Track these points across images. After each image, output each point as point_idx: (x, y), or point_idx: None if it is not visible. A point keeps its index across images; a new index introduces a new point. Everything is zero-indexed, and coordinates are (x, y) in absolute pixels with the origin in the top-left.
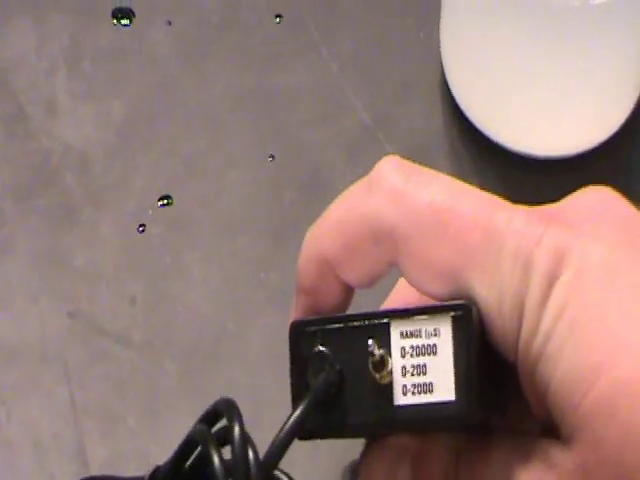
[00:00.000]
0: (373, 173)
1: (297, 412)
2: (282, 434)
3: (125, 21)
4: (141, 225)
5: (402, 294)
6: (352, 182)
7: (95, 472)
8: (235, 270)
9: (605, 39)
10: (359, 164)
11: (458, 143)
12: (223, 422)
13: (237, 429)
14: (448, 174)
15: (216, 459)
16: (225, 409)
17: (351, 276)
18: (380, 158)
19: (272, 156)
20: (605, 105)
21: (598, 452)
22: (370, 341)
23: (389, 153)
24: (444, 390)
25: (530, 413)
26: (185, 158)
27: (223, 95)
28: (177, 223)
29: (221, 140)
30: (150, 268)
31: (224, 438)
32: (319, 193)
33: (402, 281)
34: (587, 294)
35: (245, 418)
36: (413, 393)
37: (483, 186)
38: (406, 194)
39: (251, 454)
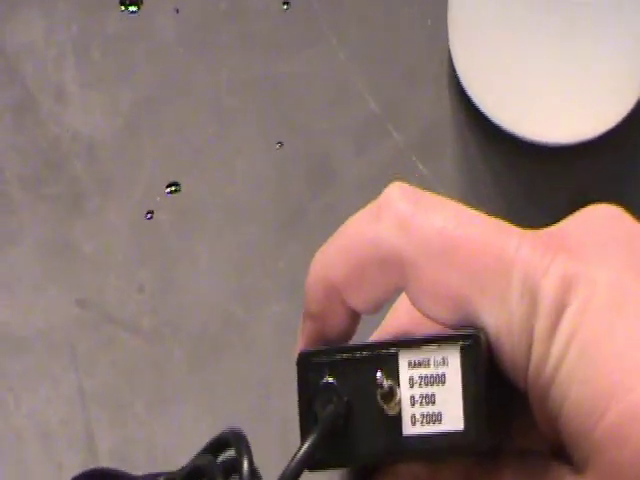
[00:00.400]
0: (381, 199)
1: (306, 445)
2: (291, 466)
3: (133, 8)
4: (149, 212)
5: (399, 317)
6: (360, 170)
7: (103, 460)
8: (243, 258)
9: (614, 27)
10: (367, 151)
11: (466, 130)
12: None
13: (246, 464)
14: (455, 161)
15: None
16: (234, 441)
17: (358, 301)
18: (388, 146)
19: (280, 143)
20: (613, 92)
21: (613, 477)
22: (379, 373)
23: (397, 141)
24: (453, 420)
25: (539, 433)
26: (193, 145)
27: (231, 82)
28: (185, 210)
29: (229, 127)
30: (158, 255)
31: (230, 468)
32: (327, 180)
33: (398, 303)
34: (596, 321)
35: (253, 407)
36: (422, 423)
37: (490, 173)
38: (414, 220)
39: None
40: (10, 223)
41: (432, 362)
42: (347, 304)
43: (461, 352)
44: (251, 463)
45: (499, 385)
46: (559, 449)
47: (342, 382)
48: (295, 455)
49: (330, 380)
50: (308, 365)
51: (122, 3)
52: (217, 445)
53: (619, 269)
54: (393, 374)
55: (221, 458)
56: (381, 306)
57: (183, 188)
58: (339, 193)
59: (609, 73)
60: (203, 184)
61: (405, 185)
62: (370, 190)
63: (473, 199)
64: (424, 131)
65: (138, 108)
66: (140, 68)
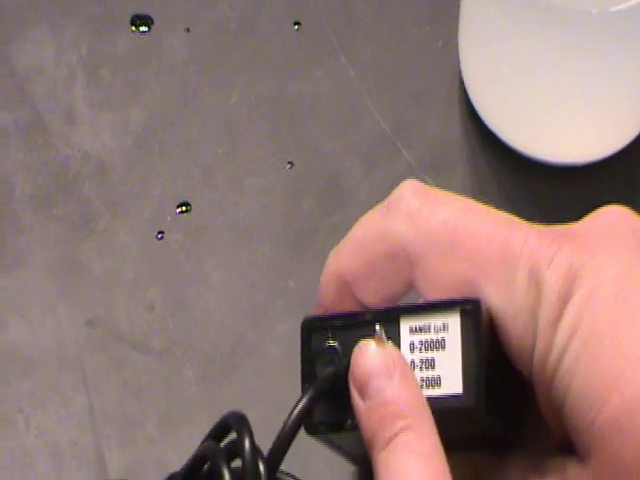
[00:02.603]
0: (392, 195)
1: (301, 402)
2: (290, 420)
3: (144, 28)
4: (160, 232)
5: None
6: (370, 189)
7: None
8: (253, 277)
9: (624, 46)
10: (377, 171)
11: (476, 150)
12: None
13: (247, 444)
14: (466, 181)
15: (226, 475)
16: (234, 423)
17: (368, 296)
18: (399, 165)
19: (290, 163)
20: (623, 113)
21: (614, 468)
22: (377, 326)
23: (407, 160)
24: (452, 383)
25: (548, 434)
26: (203, 165)
27: (241, 102)
28: (195, 230)
29: (239, 147)
30: (168, 275)
31: (233, 451)
32: (337, 200)
33: None
34: (600, 311)
35: (263, 426)
36: (421, 387)
37: (501, 193)
38: (421, 213)
39: (262, 467)
40: (20, 243)
41: (432, 328)
42: (358, 298)
43: (461, 317)
44: (252, 443)
45: (506, 372)
46: (565, 440)
47: (344, 345)
48: (293, 409)
49: (332, 343)
50: (311, 330)
51: (133, 23)
52: (219, 430)
53: (625, 263)
54: (394, 340)
55: (226, 441)
56: (391, 301)
57: (193, 208)
58: (349, 212)
59: (621, 94)
60: (213, 204)
61: (417, 182)
62: None
63: None
64: (434, 150)
65: (148, 128)
66: (150, 88)
